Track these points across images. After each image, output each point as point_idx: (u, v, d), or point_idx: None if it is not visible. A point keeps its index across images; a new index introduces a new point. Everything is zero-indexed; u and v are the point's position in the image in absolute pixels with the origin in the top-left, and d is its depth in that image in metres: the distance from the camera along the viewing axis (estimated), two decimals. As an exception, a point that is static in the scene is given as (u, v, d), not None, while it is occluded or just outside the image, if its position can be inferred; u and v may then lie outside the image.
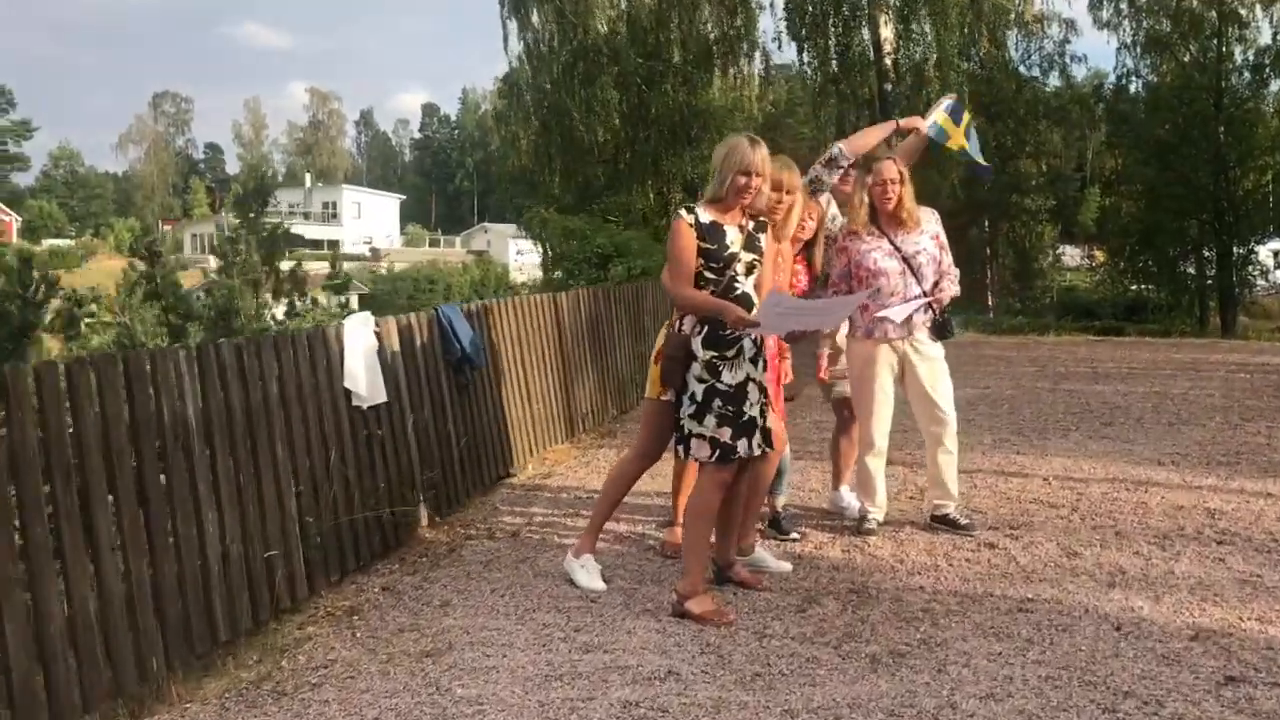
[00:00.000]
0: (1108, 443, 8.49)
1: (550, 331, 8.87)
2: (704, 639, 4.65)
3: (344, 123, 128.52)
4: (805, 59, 25.39)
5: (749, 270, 4.93)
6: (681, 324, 4.96)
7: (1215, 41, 31.66)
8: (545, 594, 5.30)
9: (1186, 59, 32.58)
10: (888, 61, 23.17)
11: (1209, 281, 33.91)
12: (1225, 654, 4.37)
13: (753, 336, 4.88)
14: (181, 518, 4.42)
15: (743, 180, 4.82)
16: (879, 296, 5.87)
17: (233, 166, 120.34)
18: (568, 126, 26.70)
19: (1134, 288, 36.91)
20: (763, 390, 5.00)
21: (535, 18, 27.81)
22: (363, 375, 5.77)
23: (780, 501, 6.24)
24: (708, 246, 4.84)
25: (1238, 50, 31.92)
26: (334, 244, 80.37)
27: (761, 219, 5.05)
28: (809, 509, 6.76)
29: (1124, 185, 36.73)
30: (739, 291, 4.87)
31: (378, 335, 6.06)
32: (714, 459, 4.87)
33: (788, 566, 5.59)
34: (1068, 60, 35.69)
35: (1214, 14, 31.11)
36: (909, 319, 5.91)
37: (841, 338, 6.28)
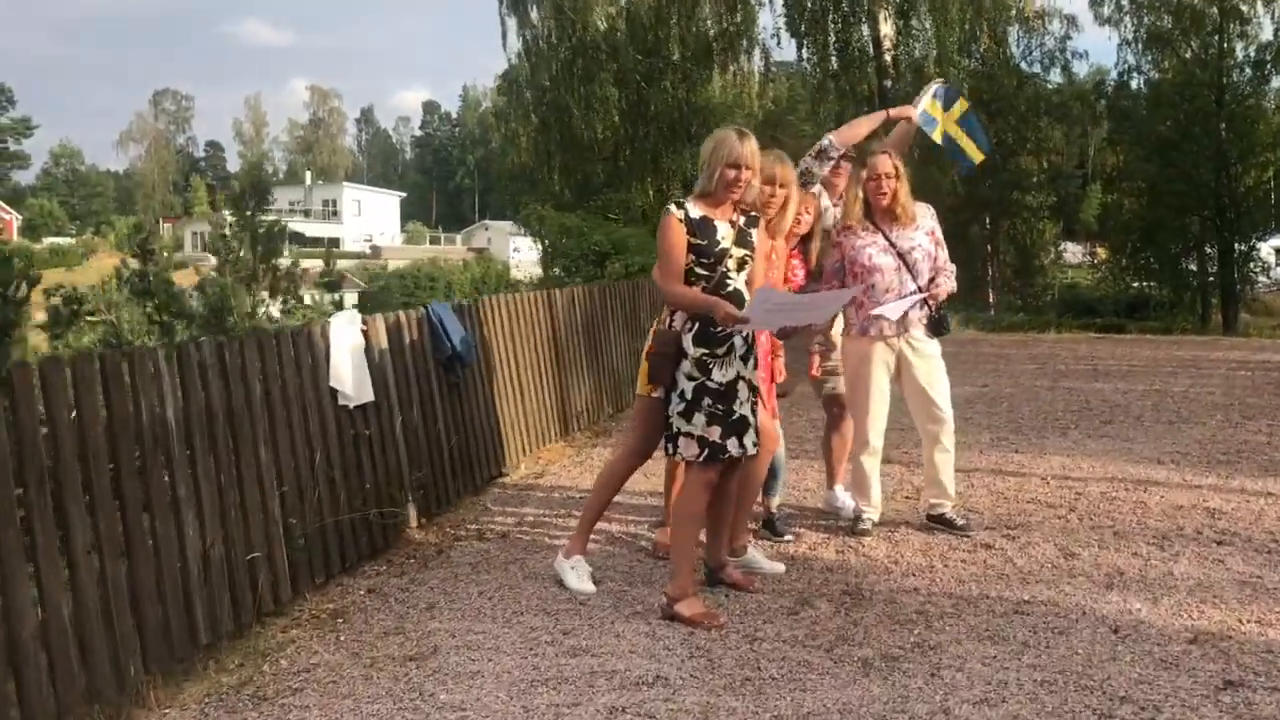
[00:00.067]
0: (1107, 441, 8.41)
1: (544, 329, 8.79)
2: (694, 642, 4.57)
3: (345, 120, 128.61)
4: (805, 55, 25.32)
5: (740, 266, 4.84)
6: (672, 320, 4.88)
7: (1217, 37, 31.59)
8: (534, 596, 5.22)
9: (1188, 55, 32.50)
10: (887, 58, 23.06)
11: (1211, 278, 33.85)
12: (1224, 657, 4.28)
13: (743, 333, 4.80)
14: (160, 519, 4.33)
15: (731, 174, 4.74)
16: (873, 293, 5.78)
17: (234, 164, 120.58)
18: (567, 123, 26.67)
19: (1135, 285, 36.86)
20: (753, 389, 4.92)
21: (534, 14, 27.77)
22: (349, 374, 5.68)
23: (775, 502, 6.15)
24: (698, 242, 4.76)
25: (1239, 46, 31.86)
26: (334, 241, 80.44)
27: (753, 214, 4.97)
28: (804, 509, 6.68)
29: (1125, 182, 36.66)
30: (730, 288, 4.78)
31: (365, 334, 5.98)
32: (702, 458, 4.79)
33: (780, 568, 5.50)
34: (1069, 56, 35.63)
35: (1215, 10, 31.02)
36: (904, 316, 5.82)
37: (835, 333, 6.19)
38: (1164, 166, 31.86)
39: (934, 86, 6.83)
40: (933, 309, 5.89)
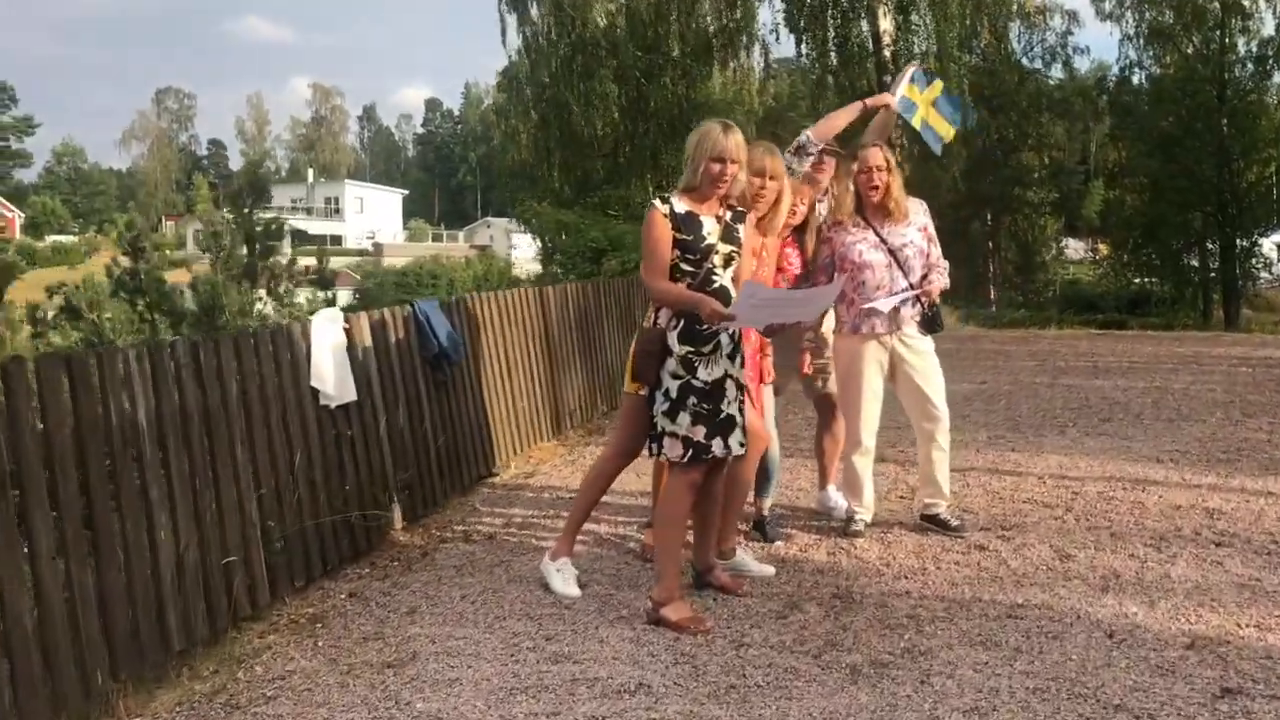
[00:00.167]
0: (1105, 439, 8.29)
1: (536, 326, 8.68)
2: (679, 648, 4.47)
3: (347, 118, 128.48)
4: (804, 51, 25.16)
5: (727, 262, 4.73)
6: (656, 318, 4.77)
7: (1218, 33, 31.44)
8: (518, 600, 5.11)
9: (1190, 50, 32.36)
10: (887, 54, 22.85)
11: (1213, 274, 33.74)
12: (1222, 663, 4.18)
13: (729, 331, 4.69)
14: (131, 523, 4.23)
15: (716, 168, 4.63)
16: (864, 290, 5.68)
17: (236, 162, 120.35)
18: (567, 120, 26.54)
19: (1137, 281, 36.75)
20: (740, 387, 4.81)
21: (534, 11, 27.64)
22: (330, 373, 5.57)
23: (767, 504, 6.04)
24: (683, 238, 4.65)
25: (1241, 42, 31.71)
26: (337, 239, 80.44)
27: (740, 209, 4.86)
28: (796, 509, 6.57)
29: (1127, 178, 36.51)
30: (716, 284, 4.68)
31: (348, 332, 5.87)
32: (686, 459, 4.68)
33: (770, 570, 5.40)
34: (1070, 52, 35.56)
35: (1217, 5, 30.86)
36: (897, 313, 5.71)
37: (826, 330, 6.08)
38: (1166, 162, 31.73)
39: (910, 70, 6.65)
40: (925, 306, 5.77)
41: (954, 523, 5.94)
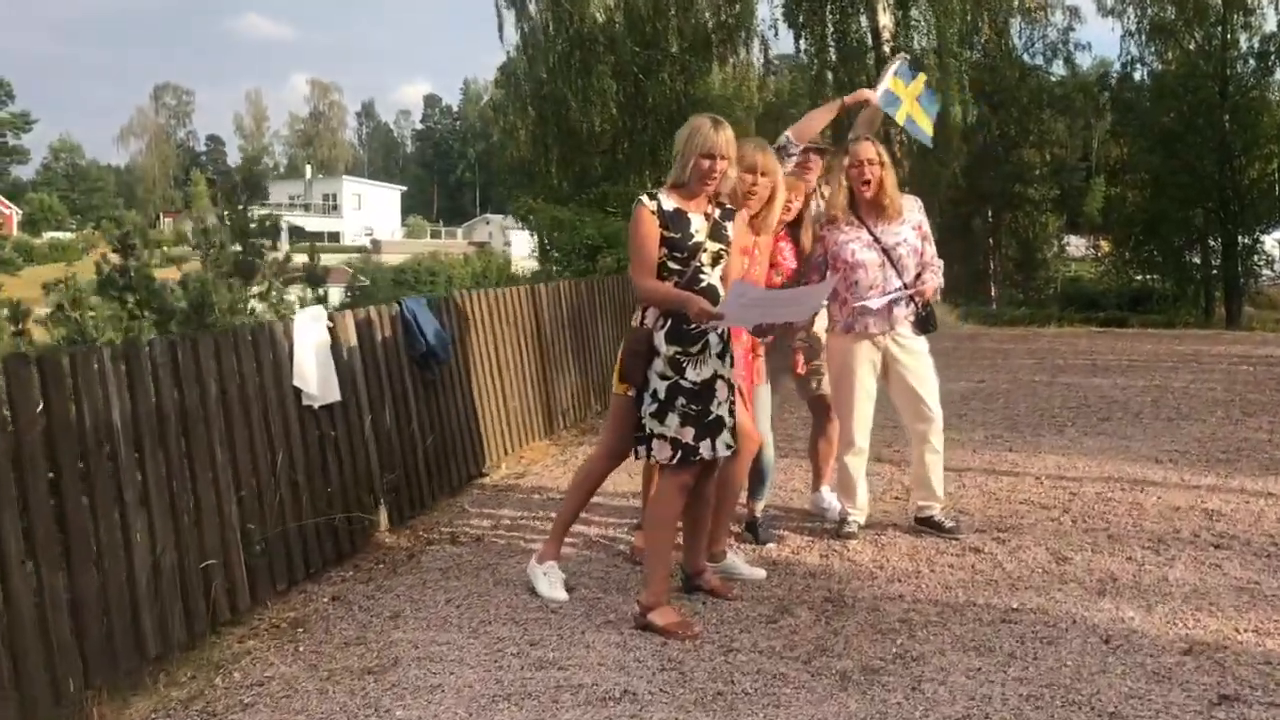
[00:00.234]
0: (1104, 439, 8.20)
1: (528, 324, 8.58)
2: (666, 654, 4.37)
3: (345, 114, 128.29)
4: (803, 47, 25.09)
5: (715, 261, 4.63)
6: (644, 318, 4.67)
7: (1220, 29, 31.40)
8: (503, 604, 5.02)
9: (1191, 46, 32.31)
10: (886, 49, 22.78)
11: (1214, 271, 33.67)
12: (1220, 669, 4.08)
13: (718, 330, 4.59)
14: (105, 526, 4.14)
15: (706, 164, 4.53)
16: (856, 290, 5.58)
17: (235, 159, 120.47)
18: (564, 116, 26.48)
19: (1139, 278, 36.69)
20: (730, 387, 4.71)
21: (531, 6, 27.55)
22: (313, 373, 5.48)
23: (760, 506, 5.95)
24: (671, 235, 4.55)
25: (1243, 37, 31.70)
26: (335, 236, 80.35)
27: (729, 207, 4.76)
28: (790, 510, 6.49)
29: (1129, 174, 36.48)
30: (704, 283, 4.58)
31: (332, 331, 5.77)
32: (675, 461, 4.59)
33: (761, 573, 5.30)
34: (1072, 48, 35.52)
35: (1218, 1, 30.80)
36: (890, 313, 5.61)
37: (819, 329, 5.98)
38: (1167, 158, 31.70)
39: (896, 63, 6.53)
40: (919, 306, 5.67)
41: (948, 525, 5.84)
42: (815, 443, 6.27)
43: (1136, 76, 35.07)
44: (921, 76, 6.55)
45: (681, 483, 4.63)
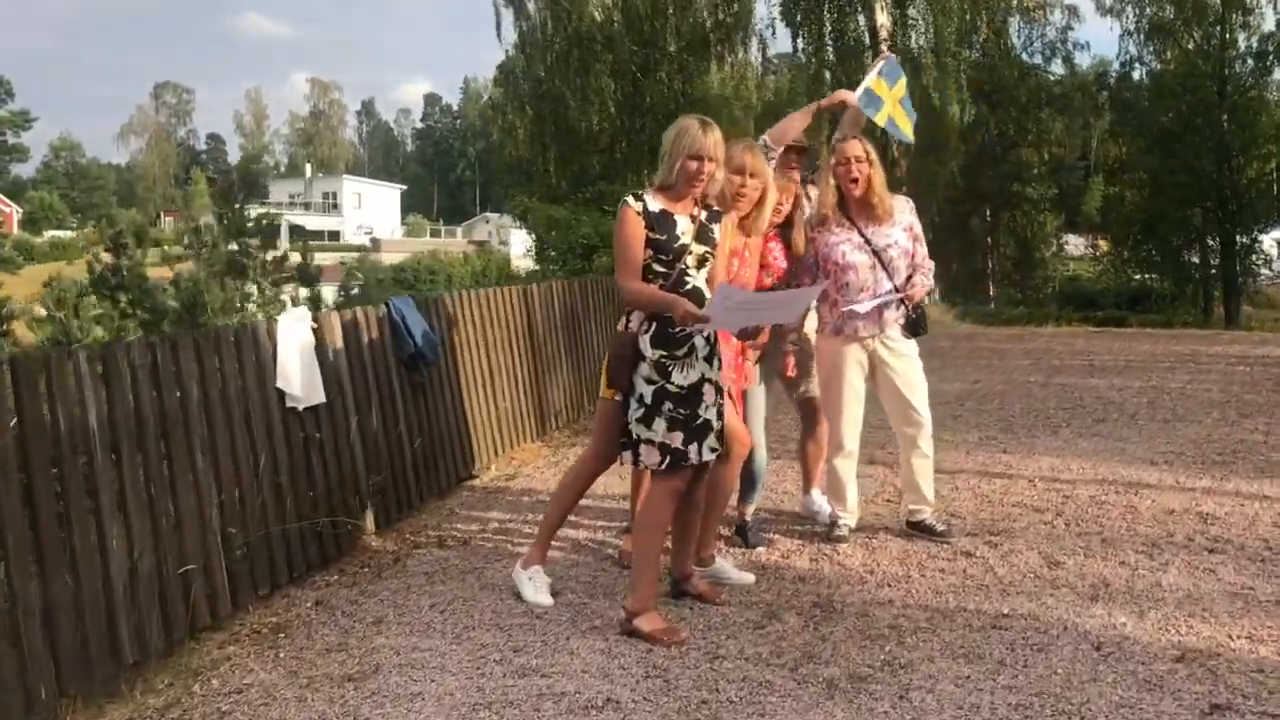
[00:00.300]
0: (1099, 440, 8.14)
1: (519, 325, 8.52)
2: (650, 661, 4.31)
3: (345, 113, 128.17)
4: (800, 46, 25.03)
5: (701, 263, 4.57)
6: (629, 321, 4.61)
7: (1219, 28, 31.36)
8: (488, 609, 4.95)
9: (1190, 46, 32.26)
10: (884, 48, 22.72)
11: (1213, 271, 33.62)
12: (1212, 677, 4.02)
13: (704, 333, 4.53)
14: (79, 532, 4.08)
15: (694, 166, 4.46)
16: (847, 292, 5.52)
17: (235, 157, 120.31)
18: (563, 115, 26.45)
19: (1137, 277, 36.65)
20: (718, 390, 4.65)
21: (530, 5, 27.51)
22: (297, 374, 5.41)
23: (750, 510, 5.88)
24: (656, 237, 4.48)
25: (1241, 37, 31.65)
26: (334, 235, 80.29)
27: (716, 209, 4.69)
28: (781, 513, 6.43)
29: (1127, 174, 36.42)
30: (689, 286, 4.51)
31: (317, 332, 5.71)
32: (665, 466, 4.52)
33: (750, 578, 5.24)
34: (1070, 47, 35.44)
35: (1217, 0, 30.72)
36: (880, 315, 5.54)
37: (809, 331, 5.92)
38: (1166, 158, 31.66)
39: (881, 62, 6.35)
40: (909, 308, 5.60)
41: (940, 528, 5.78)
42: (804, 445, 6.20)
43: (1135, 76, 35.08)
44: (904, 80, 6.37)
45: (673, 488, 4.57)
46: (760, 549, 5.71)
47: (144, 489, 4.42)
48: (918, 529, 5.82)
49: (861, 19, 23.74)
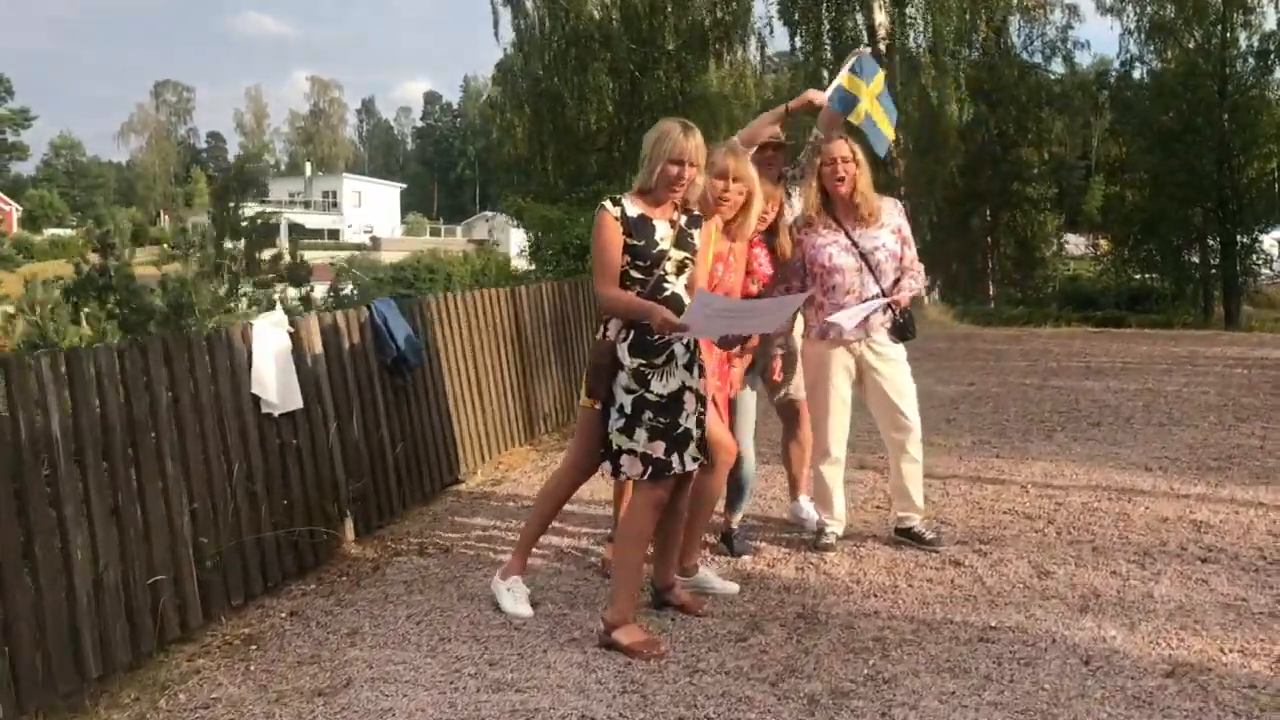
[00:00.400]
0: (1093, 445, 8.03)
1: (507, 327, 8.41)
2: (629, 675, 4.21)
3: (345, 111, 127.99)
4: (798, 45, 24.94)
5: (680, 269, 4.47)
6: (606, 329, 4.51)
7: (1220, 27, 31.21)
8: (465, 620, 4.85)
9: (1191, 45, 32.12)
10: (882, 47, 22.59)
11: (1213, 271, 33.50)
12: (1203, 693, 3.92)
13: (683, 340, 4.42)
14: (41, 542, 3.97)
15: (674, 170, 4.36)
16: (833, 295, 5.41)
17: (235, 155, 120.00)
18: (560, 114, 26.35)
19: (1138, 277, 36.53)
20: (699, 399, 4.54)
21: (528, 3, 27.40)
22: (273, 380, 5.31)
23: (737, 518, 5.78)
24: (634, 243, 4.38)
25: (1243, 36, 31.52)
26: (334, 233, 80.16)
27: (696, 214, 4.59)
28: (769, 519, 6.33)
29: (1128, 173, 36.29)
30: (668, 292, 4.41)
31: (295, 336, 5.60)
32: (647, 476, 4.42)
33: (734, 588, 5.14)
34: (1070, 46, 35.30)
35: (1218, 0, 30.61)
36: (866, 319, 5.43)
37: (797, 334, 5.81)
38: (1166, 157, 31.53)
39: (852, 59, 6.12)
40: (896, 313, 5.49)
41: (929, 536, 5.68)
42: (788, 449, 6.10)
43: (1136, 75, 34.91)
44: (881, 74, 6.15)
45: (656, 498, 4.47)
46: (746, 557, 5.61)
47: (111, 498, 4.32)
48: (907, 536, 5.72)
49: (859, 17, 23.64)
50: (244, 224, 14.12)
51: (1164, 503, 6.40)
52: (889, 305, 5.45)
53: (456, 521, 6.54)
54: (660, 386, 4.39)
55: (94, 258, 10.33)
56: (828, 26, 23.76)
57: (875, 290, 5.41)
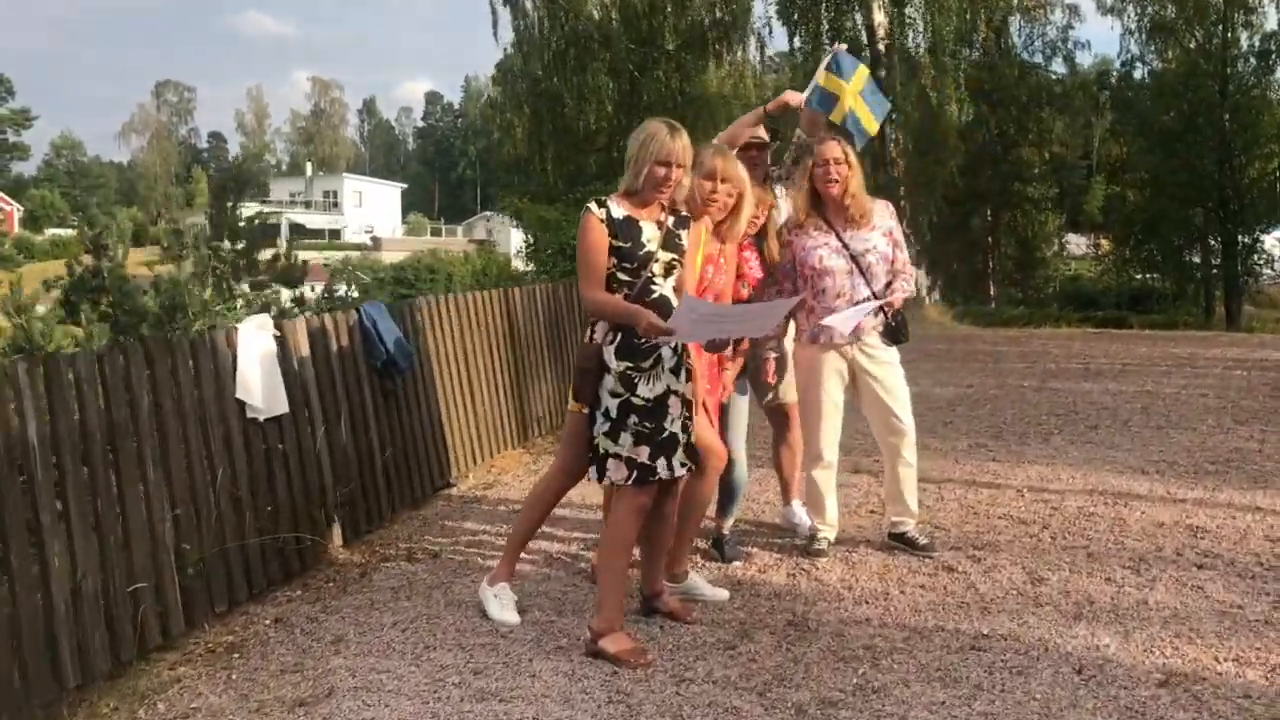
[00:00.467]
0: (1090, 448, 7.97)
1: (500, 329, 8.35)
2: (615, 684, 4.15)
3: (346, 111, 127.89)
4: (797, 44, 24.90)
5: (668, 271, 4.41)
6: (593, 332, 4.45)
7: (1221, 27, 31.12)
8: (451, 628, 4.80)
9: (1192, 45, 32.04)
10: (881, 47, 22.57)
11: (1215, 271, 33.42)
12: (1196, 703, 3.86)
13: (670, 344, 4.36)
14: (16, 551, 3.92)
15: (661, 171, 4.30)
16: (823, 298, 5.35)
17: (236, 156, 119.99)
18: (560, 114, 26.32)
19: (1139, 277, 36.46)
20: (686, 404, 4.48)
21: (527, 3, 27.36)
22: (258, 384, 5.25)
23: (728, 524, 5.72)
24: (621, 245, 4.32)
25: (1244, 36, 31.44)
26: (335, 233, 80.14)
27: (684, 215, 4.53)
28: (761, 524, 6.27)
29: (1128, 173, 36.21)
30: (656, 295, 4.36)
31: (281, 340, 5.55)
32: (631, 481, 4.36)
33: (724, 595, 5.08)
34: (1071, 46, 35.25)
35: (1219, -1, 30.56)
36: (857, 324, 5.36)
37: (789, 340, 5.75)
38: (1167, 157, 31.46)
39: (828, 57, 6.06)
40: (889, 316, 5.43)
41: (922, 541, 5.62)
42: (779, 454, 6.03)
43: (1136, 75, 34.85)
44: (863, 70, 6.07)
45: (639, 504, 4.42)
46: (737, 563, 5.56)
47: (91, 505, 4.26)
48: (900, 541, 5.66)
49: (858, 17, 23.59)
50: (241, 225, 14.02)
51: (1160, 507, 6.34)
52: (881, 308, 5.39)
53: (447, 526, 6.49)
54: (647, 390, 4.34)
55: (87, 259, 10.29)
56: (827, 26, 23.69)
57: (866, 293, 5.35)
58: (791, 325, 5.68)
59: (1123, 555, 5.50)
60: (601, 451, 4.41)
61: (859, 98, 5.84)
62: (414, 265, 57.93)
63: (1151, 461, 7.48)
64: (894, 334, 5.45)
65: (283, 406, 5.44)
